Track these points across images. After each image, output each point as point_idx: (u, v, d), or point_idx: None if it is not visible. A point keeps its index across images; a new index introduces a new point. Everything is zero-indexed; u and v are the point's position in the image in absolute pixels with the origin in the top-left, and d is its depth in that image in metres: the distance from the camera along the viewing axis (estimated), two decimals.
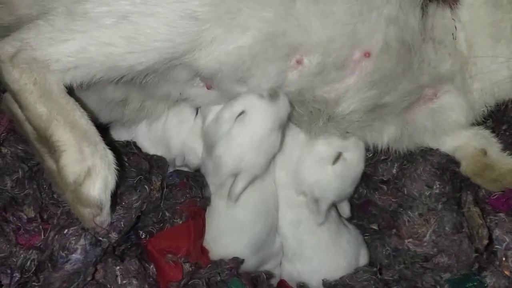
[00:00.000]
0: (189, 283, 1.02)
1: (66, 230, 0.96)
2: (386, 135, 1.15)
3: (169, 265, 1.04)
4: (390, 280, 1.07)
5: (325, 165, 1.10)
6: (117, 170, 0.94)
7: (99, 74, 0.94)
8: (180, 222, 1.10)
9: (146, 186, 1.07)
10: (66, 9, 0.92)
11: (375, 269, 1.09)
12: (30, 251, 0.96)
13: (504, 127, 1.22)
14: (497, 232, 1.04)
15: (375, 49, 1.03)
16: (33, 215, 1.01)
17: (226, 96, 1.07)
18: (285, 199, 1.13)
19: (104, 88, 1.07)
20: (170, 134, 1.19)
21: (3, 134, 1.08)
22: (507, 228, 1.04)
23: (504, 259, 1.03)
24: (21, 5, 0.99)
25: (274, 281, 1.14)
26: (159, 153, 1.20)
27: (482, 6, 1.11)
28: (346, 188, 1.12)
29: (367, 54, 1.03)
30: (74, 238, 0.96)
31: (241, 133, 1.03)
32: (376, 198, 1.19)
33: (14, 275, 0.94)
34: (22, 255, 0.95)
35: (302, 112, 1.10)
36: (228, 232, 1.10)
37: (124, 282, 0.99)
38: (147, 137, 1.21)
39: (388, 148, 1.17)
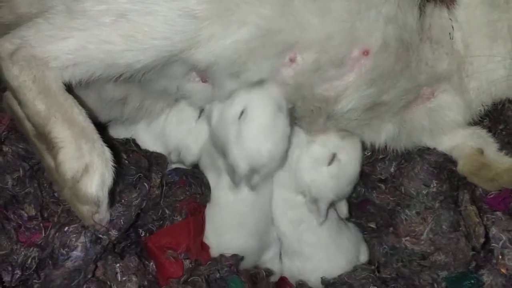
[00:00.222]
0: (188, 280, 1.02)
1: (66, 228, 0.97)
2: (384, 133, 1.15)
3: (170, 261, 1.05)
4: (388, 278, 1.07)
5: (321, 166, 1.10)
6: (114, 167, 0.95)
7: (98, 72, 0.95)
8: (180, 219, 1.11)
9: (145, 184, 1.07)
10: (65, 7, 0.93)
11: (373, 267, 1.09)
12: (31, 248, 0.96)
13: (501, 127, 1.23)
14: (493, 231, 1.04)
15: (374, 47, 1.03)
16: (33, 213, 1.01)
17: (219, 91, 1.06)
18: (285, 198, 1.13)
19: (104, 87, 1.08)
20: (168, 131, 1.19)
21: (4, 133, 1.09)
22: (504, 227, 1.04)
23: (500, 257, 1.03)
24: (22, 4, 1.00)
25: (274, 278, 1.14)
26: (158, 149, 1.21)
27: (479, 6, 1.12)
28: (343, 188, 1.12)
29: (365, 52, 1.04)
30: (74, 235, 0.96)
31: (249, 130, 1.03)
32: (374, 197, 1.19)
33: (15, 272, 0.95)
34: (23, 253, 0.96)
35: (304, 112, 1.10)
36: (229, 227, 1.11)
37: (124, 279, 0.99)
38: (147, 133, 1.22)
39: (386, 147, 1.18)
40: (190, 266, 1.05)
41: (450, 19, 1.10)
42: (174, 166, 1.21)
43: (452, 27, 1.10)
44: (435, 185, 1.13)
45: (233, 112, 1.04)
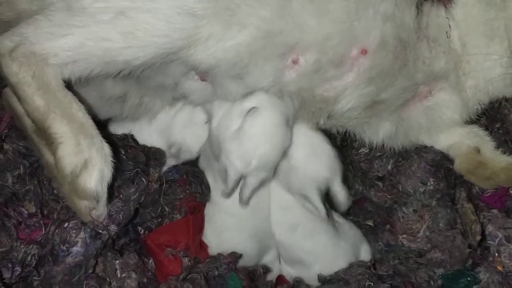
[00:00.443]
0: (187, 277, 1.03)
1: (66, 224, 0.98)
2: (382, 131, 1.16)
3: (168, 259, 1.05)
4: (384, 275, 1.07)
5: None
6: (113, 162, 0.96)
7: (97, 69, 0.95)
8: (179, 217, 1.12)
9: (143, 179, 1.08)
10: (65, 4, 0.94)
11: (369, 263, 1.09)
12: (31, 245, 0.97)
13: (497, 125, 1.23)
14: (490, 228, 1.05)
15: (372, 46, 1.04)
16: (34, 211, 1.02)
17: (220, 90, 1.07)
18: (278, 202, 1.12)
19: (103, 84, 1.09)
20: (175, 128, 1.19)
21: (5, 131, 1.09)
22: (500, 224, 1.04)
23: (497, 254, 1.03)
24: (22, 1, 1.00)
25: (272, 275, 1.14)
26: (159, 142, 1.21)
27: (476, 5, 1.12)
28: (319, 171, 1.08)
29: (364, 51, 1.04)
30: (74, 231, 0.97)
31: (252, 127, 1.02)
32: (372, 195, 1.20)
33: (15, 269, 0.96)
34: (23, 250, 0.97)
35: (305, 114, 1.10)
36: (229, 227, 1.11)
37: (124, 275, 1.00)
38: (150, 126, 1.22)
39: (383, 145, 1.18)
40: (189, 264, 1.05)
41: (447, 17, 1.10)
42: (170, 161, 1.21)
43: (449, 26, 1.10)
44: (432, 183, 1.13)
45: (243, 106, 1.04)
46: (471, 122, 1.22)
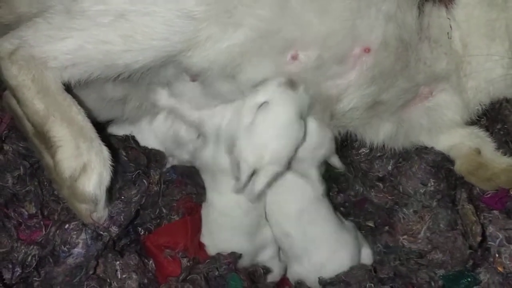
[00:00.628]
0: (187, 278, 1.03)
1: (67, 225, 0.98)
2: (382, 132, 1.16)
3: (168, 260, 1.05)
4: (385, 278, 1.07)
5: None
6: (112, 166, 0.96)
7: (97, 72, 0.95)
8: (177, 219, 1.12)
9: (144, 180, 1.08)
10: (64, 7, 0.93)
11: (370, 266, 1.09)
12: (31, 246, 0.97)
13: (498, 126, 1.23)
14: (490, 229, 1.05)
15: (375, 45, 1.04)
16: (34, 211, 1.02)
17: (210, 91, 1.06)
18: (282, 187, 1.11)
19: (103, 86, 1.08)
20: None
21: (5, 132, 1.09)
22: (500, 225, 1.04)
23: (497, 255, 1.03)
24: (22, 3, 1.00)
25: (272, 277, 1.14)
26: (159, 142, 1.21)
27: (477, 6, 1.12)
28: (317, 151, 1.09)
29: (367, 50, 1.04)
30: (75, 232, 0.97)
31: (264, 121, 1.01)
32: (372, 196, 1.19)
33: (15, 270, 0.96)
34: (23, 251, 0.97)
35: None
36: (224, 227, 1.11)
37: (124, 276, 1.00)
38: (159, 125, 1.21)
39: (384, 145, 1.18)
40: (188, 264, 1.06)
41: (448, 18, 1.10)
42: (171, 162, 1.21)
43: (451, 27, 1.10)
44: (432, 184, 1.13)
45: (254, 100, 1.02)
46: (472, 123, 1.22)
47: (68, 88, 0.96)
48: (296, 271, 1.14)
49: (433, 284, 1.06)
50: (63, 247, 0.97)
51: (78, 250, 0.97)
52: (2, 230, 0.98)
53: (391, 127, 1.15)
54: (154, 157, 1.18)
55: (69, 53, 0.93)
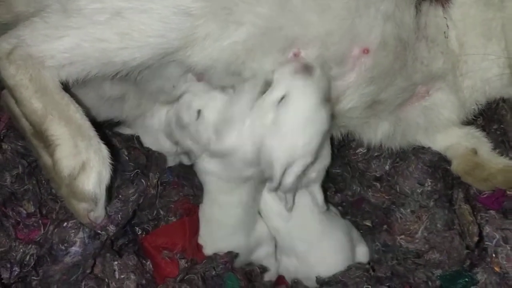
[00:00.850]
0: (185, 278, 1.03)
1: (65, 224, 0.98)
2: (380, 131, 1.16)
3: (165, 261, 1.05)
4: (382, 277, 1.07)
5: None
6: (112, 164, 0.96)
7: (94, 70, 0.95)
8: (174, 220, 1.12)
9: (142, 180, 1.08)
10: (61, 6, 0.93)
11: (367, 266, 1.09)
12: (29, 245, 0.97)
13: (495, 126, 1.23)
14: (487, 229, 1.05)
15: (373, 45, 1.04)
16: (32, 210, 1.02)
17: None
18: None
19: (101, 85, 1.08)
20: None
21: (3, 131, 1.09)
22: (497, 225, 1.04)
23: (494, 255, 1.03)
24: (19, 3, 1.00)
25: (268, 276, 1.15)
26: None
27: (473, 5, 1.12)
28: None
29: (365, 51, 1.04)
30: (73, 231, 0.97)
31: (287, 118, 0.98)
32: (370, 196, 1.20)
33: (13, 269, 0.96)
34: (21, 250, 0.97)
35: None
36: (221, 226, 1.11)
37: (122, 276, 0.99)
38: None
39: (381, 145, 1.18)
40: (186, 265, 1.05)
41: (445, 17, 1.10)
42: (173, 161, 1.21)
43: (447, 26, 1.10)
44: (429, 183, 1.13)
45: (272, 97, 0.99)
46: (468, 123, 1.22)
47: (66, 87, 0.96)
48: (286, 267, 1.15)
49: (430, 284, 1.06)
50: (60, 245, 0.97)
51: (75, 248, 0.97)
52: (0, 229, 0.98)
53: (388, 126, 1.16)
54: (155, 160, 1.17)
55: (66, 52, 0.92)
